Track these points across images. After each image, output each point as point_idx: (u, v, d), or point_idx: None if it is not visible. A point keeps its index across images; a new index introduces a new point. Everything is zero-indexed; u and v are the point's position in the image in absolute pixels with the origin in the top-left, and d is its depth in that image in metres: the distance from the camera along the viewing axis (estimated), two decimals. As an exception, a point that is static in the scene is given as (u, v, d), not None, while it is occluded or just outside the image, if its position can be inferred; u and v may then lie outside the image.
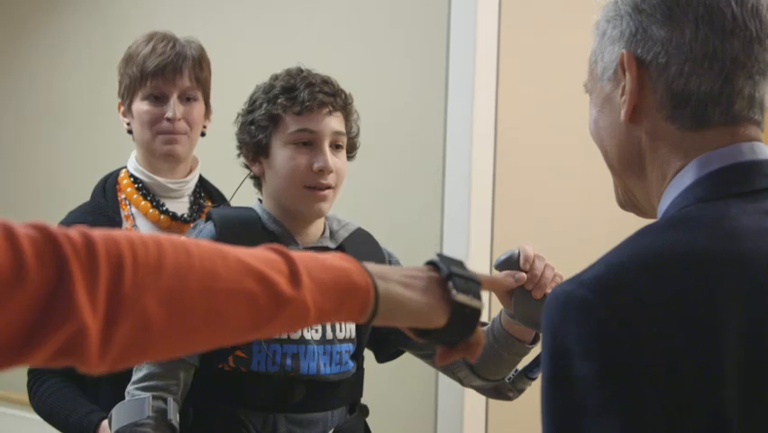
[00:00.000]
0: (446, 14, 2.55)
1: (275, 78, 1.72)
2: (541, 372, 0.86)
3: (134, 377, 1.60)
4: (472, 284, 1.05)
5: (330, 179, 1.67)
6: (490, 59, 2.54)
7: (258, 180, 1.75)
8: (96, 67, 3.33)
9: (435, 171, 2.53)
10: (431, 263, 1.07)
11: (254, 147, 1.70)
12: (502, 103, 2.54)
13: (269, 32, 2.93)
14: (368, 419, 1.79)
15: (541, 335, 0.87)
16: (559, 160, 2.65)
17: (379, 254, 1.81)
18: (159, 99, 1.89)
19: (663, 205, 0.94)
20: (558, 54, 2.58)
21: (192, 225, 1.82)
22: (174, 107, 1.88)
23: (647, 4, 0.94)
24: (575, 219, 2.61)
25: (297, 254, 0.93)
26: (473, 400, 2.39)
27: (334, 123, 1.69)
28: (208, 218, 1.69)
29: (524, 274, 1.45)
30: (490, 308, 2.46)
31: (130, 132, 1.97)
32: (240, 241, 1.61)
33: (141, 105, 1.90)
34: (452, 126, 2.51)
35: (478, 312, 1.05)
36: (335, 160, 1.68)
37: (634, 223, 0.96)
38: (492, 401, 2.27)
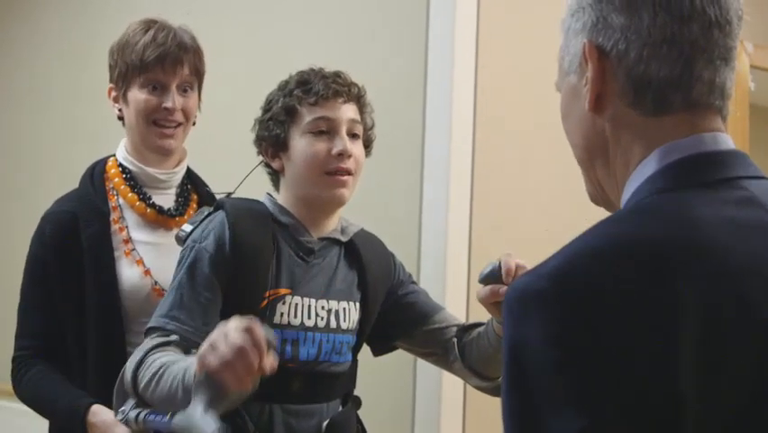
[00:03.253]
0: (425, 8, 2.54)
1: (289, 77, 1.74)
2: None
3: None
4: None
5: (349, 164, 1.68)
6: (469, 52, 2.53)
7: (275, 177, 1.75)
8: (75, 54, 3.33)
9: (414, 168, 2.52)
10: None
11: (273, 142, 1.71)
12: (481, 97, 2.54)
13: (249, 23, 2.92)
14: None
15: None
16: (538, 153, 2.64)
17: (385, 255, 1.84)
18: (157, 89, 1.89)
19: (626, 195, 0.94)
20: (537, 48, 2.57)
21: (193, 215, 1.76)
22: (174, 98, 1.88)
23: None
24: (554, 214, 2.60)
25: None
26: (451, 389, 2.39)
27: (350, 111, 1.71)
28: (218, 207, 1.68)
29: (506, 288, 1.47)
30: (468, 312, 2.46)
31: (120, 118, 1.95)
32: (251, 231, 1.64)
33: (138, 94, 1.88)
34: (431, 122, 2.50)
35: None
36: (353, 146, 1.69)
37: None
38: (470, 391, 2.27)
